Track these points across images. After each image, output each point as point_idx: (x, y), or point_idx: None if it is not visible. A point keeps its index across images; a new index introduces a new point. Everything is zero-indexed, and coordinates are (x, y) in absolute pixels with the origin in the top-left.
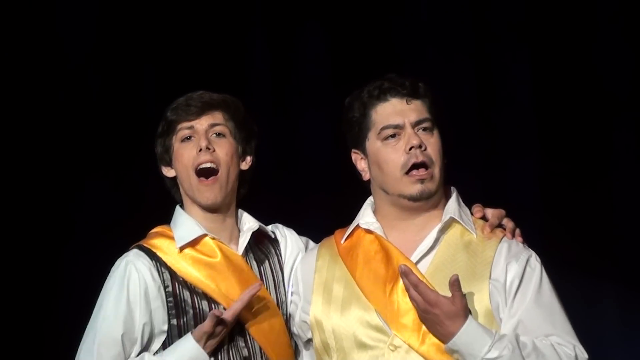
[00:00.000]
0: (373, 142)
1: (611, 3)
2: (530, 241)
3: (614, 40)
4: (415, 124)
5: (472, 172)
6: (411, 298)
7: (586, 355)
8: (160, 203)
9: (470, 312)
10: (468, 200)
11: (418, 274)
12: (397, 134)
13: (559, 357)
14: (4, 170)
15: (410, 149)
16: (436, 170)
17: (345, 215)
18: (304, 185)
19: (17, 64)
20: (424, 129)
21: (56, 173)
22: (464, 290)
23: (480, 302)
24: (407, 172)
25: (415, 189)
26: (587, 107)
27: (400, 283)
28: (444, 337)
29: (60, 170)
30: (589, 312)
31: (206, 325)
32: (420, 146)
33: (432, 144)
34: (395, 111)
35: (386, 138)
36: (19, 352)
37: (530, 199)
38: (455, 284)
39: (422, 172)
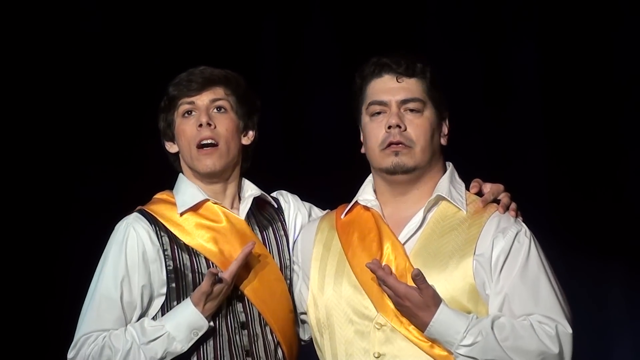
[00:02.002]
0: (364, 117)
1: None
2: (536, 230)
3: (625, 32)
4: (402, 103)
5: (477, 164)
6: (385, 291)
7: (569, 331)
8: (161, 177)
9: (442, 300)
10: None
11: (402, 257)
12: (382, 111)
13: (537, 337)
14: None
15: (389, 127)
16: (417, 150)
17: (352, 193)
18: (310, 163)
19: (20, 55)
20: (411, 110)
21: (58, 149)
22: (450, 268)
23: (464, 280)
24: (384, 148)
25: (389, 161)
26: (595, 98)
27: (388, 263)
28: (419, 326)
29: (63, 146)
30: (596, 294)
31: (204, 285)
32: (399, 126)
33: (417, 125)
34: (384, 88)
35: (373, 114)
36: (23, 327)
37: (537, 193)
38: (417, 278)
39: (395, 146)
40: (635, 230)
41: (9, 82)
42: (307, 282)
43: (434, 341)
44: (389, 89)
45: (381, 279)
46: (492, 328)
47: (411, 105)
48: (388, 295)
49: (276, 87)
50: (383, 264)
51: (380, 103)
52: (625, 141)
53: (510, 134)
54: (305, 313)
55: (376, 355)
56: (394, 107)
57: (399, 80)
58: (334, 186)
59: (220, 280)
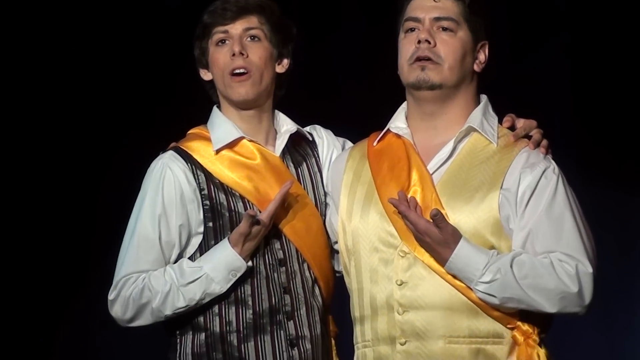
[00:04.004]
0: (400, 34)
1: None
2: (564, 166)
3: None
4: (435, 21)
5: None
6: (407, 225)
7: (590, 270)
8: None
9: (462, 237)
10: None
11: (429, 187)
12: (416, 28)
13: (557, 276)
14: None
15: (418, 42)
16: (445, 67)
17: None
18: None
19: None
20: (444, 29)
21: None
22: (476, 200)
23: (489, 213)
24: (412, 63)
25: (414, 75)
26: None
27: (414, 192)
28: (440, 261)
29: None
30: (624, 225)
31: (242, 227)
32: (428, 41)
33: (448, 43)
34: (420, 5)
35: (407, 30)
36: (65, 269)
37: (565, 123)
38: (436, 217)
39: (423, 61)
40: None
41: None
42: (338, 210)
43: (454, 276)
44: (425, 7)
45: (403, 213)
46: (511, 266)
47: (444, 23)
48: (410, 230)
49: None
50: (409, 197)
51: (415, 19)
52: None
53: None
54: (337, 242)
55: (399, 283)
56: (427, 23)
57: (435, 0)
58: (360, 126)
59: (258, 222)
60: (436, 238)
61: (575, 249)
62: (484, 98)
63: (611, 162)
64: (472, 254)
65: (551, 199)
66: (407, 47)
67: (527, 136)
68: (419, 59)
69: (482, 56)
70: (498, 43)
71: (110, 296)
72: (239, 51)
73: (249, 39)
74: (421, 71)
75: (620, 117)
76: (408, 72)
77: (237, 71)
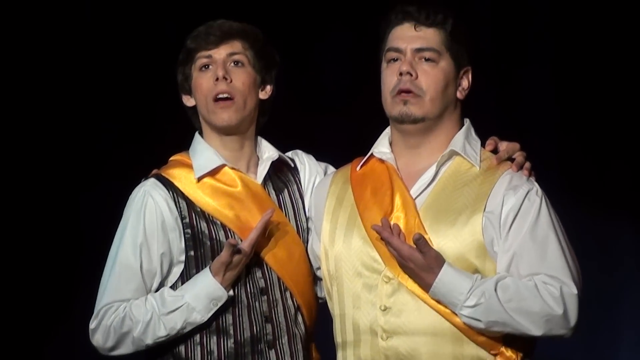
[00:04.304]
0: (383, 63)
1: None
2: (546, 189)
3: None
4: (416, 52)
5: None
6: (390, 251)
7: (575, 291)
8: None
9: (445, 261)
10: None
11: (412, 212)
12: (398, 58)
13: (541, 298)
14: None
15: (400, 74)
16: (427, 99)
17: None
18: (323, 114)
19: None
20: (426, 59)
21: (77, 121)
22: (459, 223)
23: (472, 236)
24: (395, 95)
25: (397, 109)
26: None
27: (397, 217)
28: (424, 287)
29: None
30: (607, 253)
31: (223, 256)
32: (409, 73)
33: (429, 74)
34: (402, 35)
35: (389, 60)
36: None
37: (547, 148)
38: (418, 242)
39: (405, 95)
40: None
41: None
42: (319, 236)
43: (438, 301)
44: (406, 37)
45: (386, 239)
46: (495, 289)
47: (426, 54)
48: (393, 256)
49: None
50: (392, 224)
51: (396, 50)
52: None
53: (523, 97)
54: (319, 268)
55: (382, 308)
56: (408, 55)
57: (416, 29)
58: (346, 148)
59: (239, 251)
60: (419, 263)
61: (559, 271)
62: (467, 122)
63: (593, 187)
64: (456, 279)
65: (535, 221)
66: (389, 78)
67: (511, 159)
68: (400, 92)
69: (465, 82)
70: (482, 65)
71: (92, 325)
72: (222, 76)
73: (232, 64)
74: (403, 105)
75: (603, 142)
76: (391, 105)
77: (221, 96)
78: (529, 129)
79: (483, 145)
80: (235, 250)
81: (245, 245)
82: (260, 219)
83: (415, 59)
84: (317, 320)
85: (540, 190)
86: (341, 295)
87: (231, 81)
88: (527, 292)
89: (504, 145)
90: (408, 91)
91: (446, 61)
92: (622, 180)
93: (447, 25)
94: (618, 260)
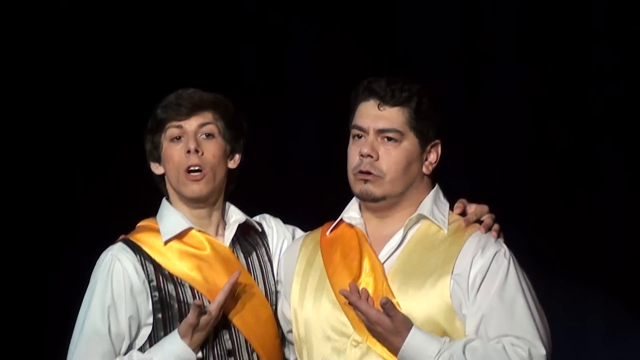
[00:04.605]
0: (350, 137)
1: (605, 10)
2: (515, 247)
3: (604, 51)
4: (379, 132)
5: (459, 178)
6: (358, 315)
7: (543, 352)
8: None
9: (413, 325)
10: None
11: (380, 276)
12: (362, 136)
13: None
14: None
15: (361, 155)
16: (386, 180)
17: (337, 215)
18: (294, 185)
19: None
20: (389, 139)
21: (54, 169)
22: (427, 286)
23: (441, 299)
24: (356, 174)
25: (358, 187)
26: (575, 121)
27: (365, 282)
28: (392, 351)
29: (56, 166)
30: (574, 317)
31: (190, 318)
32: (370, 155)
33: (390, 155)
34: (366, 114)
35: (354, 136)
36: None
37: (517, 207)
38: (385, 306)
39: (364, 175)
40: (615, 253)
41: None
42: (289, 299)
43: None
44: (370, 116)
45: (354, 304)
46: (464, 352)
47: (388, 134)
48: (362, 320)
49: (259, 111)
50: (360, 288)
51: (360, 128)
52: (605, 165)
53: (492, 153)
54: (290, 331)
55: None
56: (370, 135)
57: (380, 108)
58: (318, 210)
59: (205, 312)
60: (387, 327)
61: (527, 332)
62: (435, 185)
63: (564, 255)
64: (424, 342)
65: (503, 282)
66: (352, 155)
67: (479, 221)
68: (361, 172)
69: (432, 156)
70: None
71: None
72: (194, 148)
73: (203, 136)
74: (364, 184)
75: (574, 202)
76: (353, 182)
77: (192, 169)
78: (498, 192)
79: (452, 208)
80: (202, 311)
81: (212, 307)
82: (228, 281)
83: (377, 139)
84: None
85: (508, 252)
86: (311, 358)
87: (202, 154)
88: (495, 355)
89: (472, 208)
90: (368, 172)
91: (409, 140)
92: (592, 245)
93: (412, 103)
94: (585, 324)
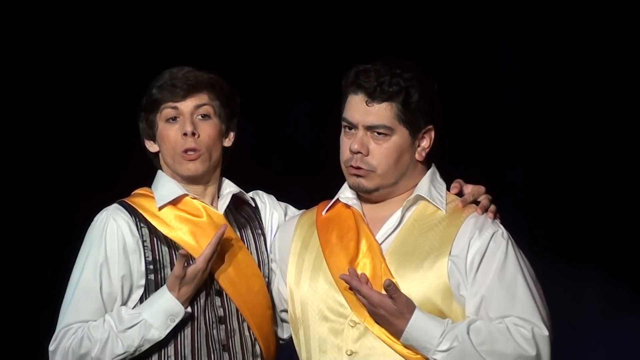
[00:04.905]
0: (342, 124)
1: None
2: (511, 227)
3: (601, 39)
4: (368, 128)
5: (455, 170)
6: (360, 299)
7: (546, 333)
8: (143, 176)
9: (416, 307)
10: None
11: (378, 257)
12: (352, 128)
13: (514, 340)
14: None
15: (351, 151)
16: (377, 173)
17: (331, 195)
18: (288, 166)
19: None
20: (378, 133)
21: (39, 158)
22: (425, 267)
23: (438, 279)
24: (347, 167)
25: (351, 180)
26: (571, 106)
27: (363, 262)
28: (395, 334)
29: (43, 154)
30: (571, 304)
31: (176, 269)
32: (360, 152)
33: (380, 149)
34: (355, 108)
35: (344, 127)
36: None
37: (513, 187)
38: (389, 288)
39: (355, 169)
40: (609, 235)
41: None
42: (285, 279)
43: (410, 347)
44: (360, 111)
45: (355, 288)
46: (468, 332)
47: (378, 129)
48: (363, 304)
49: (254, 92)
50: (360, 273)
51: (349, 123)
52: (602, 147)
53: (488, 138)
54: (285, 310)
55: (348, 353)
56: (360, 131)
57: (368, 105)
58: (312, 190)
59: (192, 264)
60: (390, 309)
61: (529, 313)
62: (432, 166)
63: (559, 233)
64: (428, 323)
65: (502, 263)
66: (344, 148)
67: (476, 202)
68: (352, 167)
69: (425, 142)
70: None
71: (51, 347)
72: (191, 131)
73: (199, 117)
74: (356, 178)
75: (571, 184)
76: (346, 174)
77: (189, 152)
78: (495, 172)
79: (448, 188)
80: (189, 263)
81: (200, 259)
82: (215, 234)
83: (367, 134)
84: None
85: (505, 232)
86: (307, 338)
87: (199, 136)
88: (500, 335)
89: (469, 188)
90: (359, 167)
91: (399, 133)
92: (588, 227)
93: (400, 97)
94: (582, 308)
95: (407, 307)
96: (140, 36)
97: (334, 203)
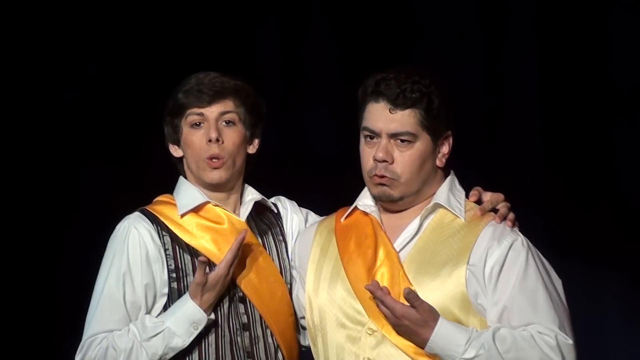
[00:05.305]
0: (361, 134)
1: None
2: (530, 233)
3: (622, 40)
4: (391, 136)
5: (475, 176)
6: (383, 311)
7: (570, 342)
8: (164, 181)
9: (439, 315)
10: None
11: (396, 265)
12: (374, 137)
13: (539, 348)
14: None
15: (375, 159)
16: (402, 181)
17: (350, 202)
18: (310, 174)
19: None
20: (402, 141)
21: (59, 159)
22: (443, 276)
23: (456, 288)
24: (371, 177)
25: (375, 189)
26: (593, 108)
27: (381, 271)
28: (419, 344)
29: (63, 156)
30: (591, 306)
31: (197, 276)
32: (385, 160)
33: (404, 157)
34: (377, 117)
35: (366, 137)
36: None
37: (535, 204)
38: (409, 296)
39: (379, 179)
40: (632, 239)
41: (11, 84)
42: (304, 286)
43: (434, 356)
44: (382, 119)
45: (379, 299)
46: (493, 340)
47: (402, 137)
48: (385, 315)
49: (276, 98)
50: (382, 286)
51: (372, 131)
52: (622, 150)
53: (508, 142)
54: (304, 317)
55: None
56: (384, 140)
57: (391, 112)
58: (334, 196)
59: (214, 272)
60: (415, 319)
61: (552, 321)
62: (451, 174)
63: (581, 237)
64: (453, 331)
65: (523, 273)
66: (366, 158)
67: (494, 210)
68: (376, 176)
69: (445, 148)
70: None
71: (77, 358)
72: (215, 138)
73: (224, 123)
74: (381, 187)
75: (590, 190)
76: (369, 184)
77: (214, 159)
78: (515, 177)
79: (467, 195)
80: (209, 270)
81: (220, 265)
82: (235, 239)
83: (390, 142)
84: None
85: (525, 240)
86: (325, 345)
87: (223, 142)
88: (525, 343)
89: (487, 196)
90: (383, 176)
91: (422, 140)
92: (609, 230)
93: (423, 104)
94: (603, 311)
95: (431, 314)
96: (164, 40)
97: (352, 210)
